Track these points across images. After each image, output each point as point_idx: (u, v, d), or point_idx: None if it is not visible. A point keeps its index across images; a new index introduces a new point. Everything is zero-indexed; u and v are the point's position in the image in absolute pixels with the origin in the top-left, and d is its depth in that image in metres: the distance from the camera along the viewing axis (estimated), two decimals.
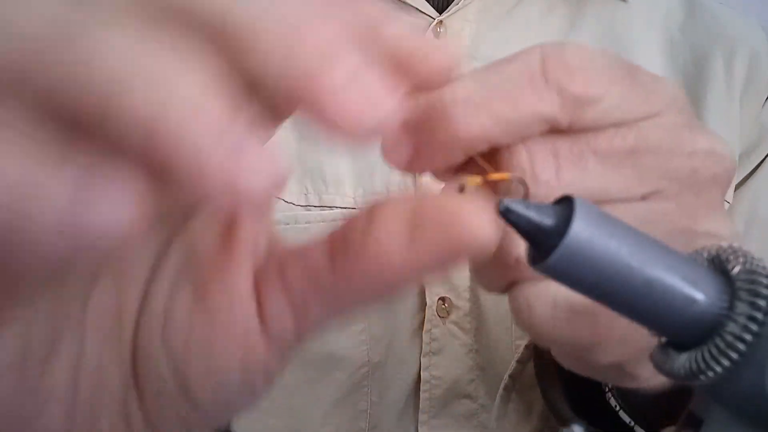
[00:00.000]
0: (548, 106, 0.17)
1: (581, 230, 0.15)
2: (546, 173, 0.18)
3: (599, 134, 0.18)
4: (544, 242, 0.15)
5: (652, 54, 0.47)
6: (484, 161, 0.17)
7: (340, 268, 0.15)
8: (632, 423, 0.27)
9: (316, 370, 0.45)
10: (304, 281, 0.16)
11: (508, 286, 0.20)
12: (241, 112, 0.12)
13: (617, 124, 0.19)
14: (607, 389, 0.28)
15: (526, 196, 0.16)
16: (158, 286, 0.17)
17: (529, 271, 0.16)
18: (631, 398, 0.27)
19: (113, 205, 0.11)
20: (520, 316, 0.19)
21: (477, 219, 0.14)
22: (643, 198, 0.19)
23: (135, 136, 0.11)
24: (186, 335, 0.16)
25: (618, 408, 0.27)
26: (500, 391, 0.32)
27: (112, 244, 0.11)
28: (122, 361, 0.17)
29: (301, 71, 0.12)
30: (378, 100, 0.12)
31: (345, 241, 0.15)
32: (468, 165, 0.18)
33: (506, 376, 0.32)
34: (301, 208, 0.45)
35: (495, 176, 0.16)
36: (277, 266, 0.16)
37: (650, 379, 0.21)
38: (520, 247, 0.18)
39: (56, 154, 0.11)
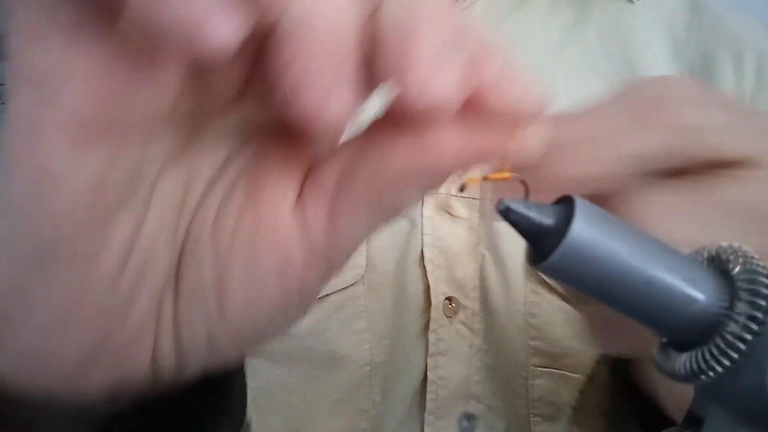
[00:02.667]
0: (655, 144, 0.17)
1: (582, 230, 0.15)
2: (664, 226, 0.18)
3: (714, 184, 0.18)
4: (545, 242, 0.15)
5: (656, 53, 0.47)
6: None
7: (370, 157, 0.16)
8: None
9: (317, 368, 0.45)
10: (334, 177, 0.17)
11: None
12: None
13: (733, 163, 0.18)
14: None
15: (526, 195, 0.16)
16: (219, 184, 0.18)
17: None
18: None
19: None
20: None
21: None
22: None
23: None
24: (232, 233, 0.17)
25: None
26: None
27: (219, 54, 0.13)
28: (172, 249, 0.17)
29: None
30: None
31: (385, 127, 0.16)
32: None
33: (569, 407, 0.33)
34: None
35: (495, 176, 0.16)
36: (318, 169, 0.17)
37: None
38: None
39: None
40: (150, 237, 0.17)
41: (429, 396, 0.45)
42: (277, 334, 0.18)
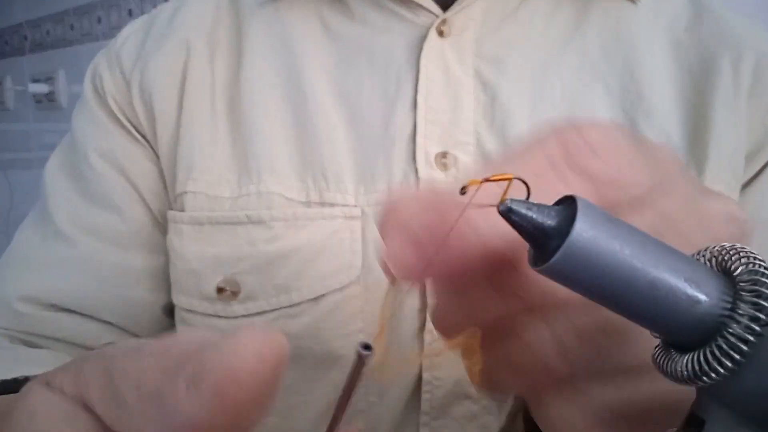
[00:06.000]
0: (577, 192, 0.17)
1: (584, 231, 0.15)
2: None
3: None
4: (547, 243, 0.15)
5: (657, 54, 0.47)
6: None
7: None
8: None
9: (313, 369, 0.45)
10: None
11: (529, 394, 0.19)
12: None
13: (632, 201, 0.18)
14: None
15: (527, 196, 0.16)
16: None
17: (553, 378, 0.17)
18: None
19: None
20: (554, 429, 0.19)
21: None
22: None
23: None
24: None
25: None
26: None
27: None
28: None
29: None
30: None
31: None
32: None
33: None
34: (302, 204, 0.45)
35: (496, 177, 0.16)
36: None
37: None
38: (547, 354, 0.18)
39: None
40: None
41: (424, 396, 0.45)
42: None
